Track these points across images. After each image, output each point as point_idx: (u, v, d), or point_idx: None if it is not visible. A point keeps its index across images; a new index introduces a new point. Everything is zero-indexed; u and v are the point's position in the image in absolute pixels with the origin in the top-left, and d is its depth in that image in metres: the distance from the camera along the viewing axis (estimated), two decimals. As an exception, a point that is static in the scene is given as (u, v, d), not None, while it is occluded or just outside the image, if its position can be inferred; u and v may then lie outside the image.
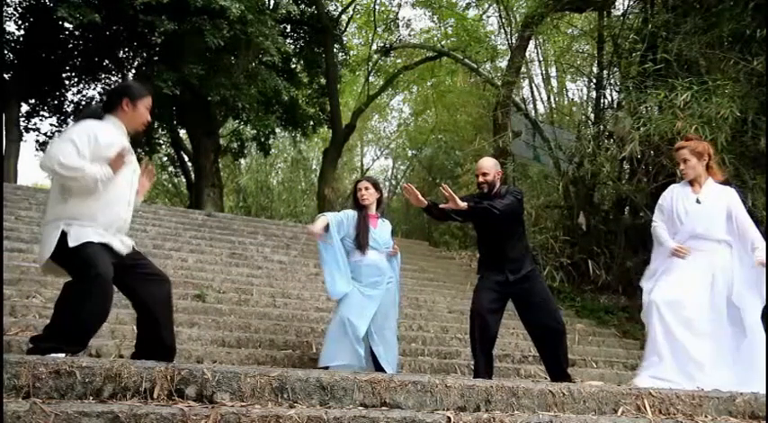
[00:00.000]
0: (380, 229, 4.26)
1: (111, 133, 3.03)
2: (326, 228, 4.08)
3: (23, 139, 14.02)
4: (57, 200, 2.96)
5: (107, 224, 2.96)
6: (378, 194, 4.35)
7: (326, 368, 3.80)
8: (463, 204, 3.83)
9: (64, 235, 2.86)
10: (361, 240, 4.11)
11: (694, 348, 3.39)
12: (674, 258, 3.62)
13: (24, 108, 13.88)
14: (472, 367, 4.21)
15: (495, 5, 14.53)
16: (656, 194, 7.56)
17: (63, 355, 2.72)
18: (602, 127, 8.77)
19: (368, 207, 4.28)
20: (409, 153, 21.90)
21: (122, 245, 3.02)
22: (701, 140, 3.92)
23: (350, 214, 4.24)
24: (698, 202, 3.64)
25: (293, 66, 15.66)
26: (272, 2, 13.95)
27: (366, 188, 4.29)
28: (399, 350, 5.06)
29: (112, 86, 3.26)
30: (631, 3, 9.35)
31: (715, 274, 3.52)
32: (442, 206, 3.94)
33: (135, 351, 3.18)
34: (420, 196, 3.94)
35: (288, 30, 15.65)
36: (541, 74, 14.81)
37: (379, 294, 4.08)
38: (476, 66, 14.64)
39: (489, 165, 4.10)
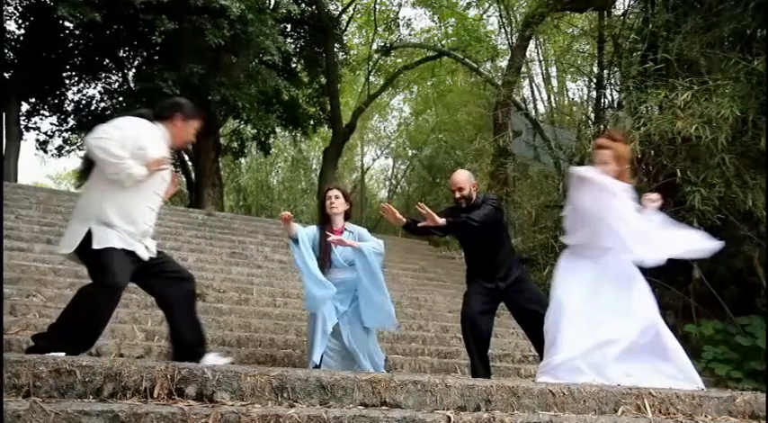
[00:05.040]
0: (342, 246, 4.05)
1: (153, 137, 3.12)
2: (296, 240, 4.00)
3: (24, 138, 14.04)
4: (89, 195, 3.05)
5: (133, 228, 3.03)
6: (347, 206, 4.18)
7: (318, 366, 3.79)
8: (441, 220, 3.79)
9: (90, 234, 2.93)
10: (321, 261, 4.00)
11: (598, 345, 3.22)
12: (575, 257, 3.50)
13: (25, 107, 13.89)
14: (472, 367, 4.21)
15: (495, 5, 14.55)
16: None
17: (63, 354, 2.73)
18: (602, 126, 8.76)
19: (334, 218, 4.14)
20: (409, 153, 21.92)
21: (146, 251, 3.09)
22: (624, 143, 3.68)
23: (314, 232, 4.10)
24: None
25: (293, 65, 15.65)
26: (272, 1, 13.92)
27: (336, 197, 4.14)
28: (400, 350, 5.08)
29: (168, 100, 3.44)
30: (632, 2, 9.34)
31: (599, 287, 3.36)
32: (420, 225, 3.90)
33: (172, 352, 3.27)
34: (398, 214, 3.91)
35: (288, 29, 15.64)
36: (542, 73, 14.84)
37: (347, 310, 4.00)
38: (476, 65, 14.65)
39: (464, 179, 4.04)
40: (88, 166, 3.08)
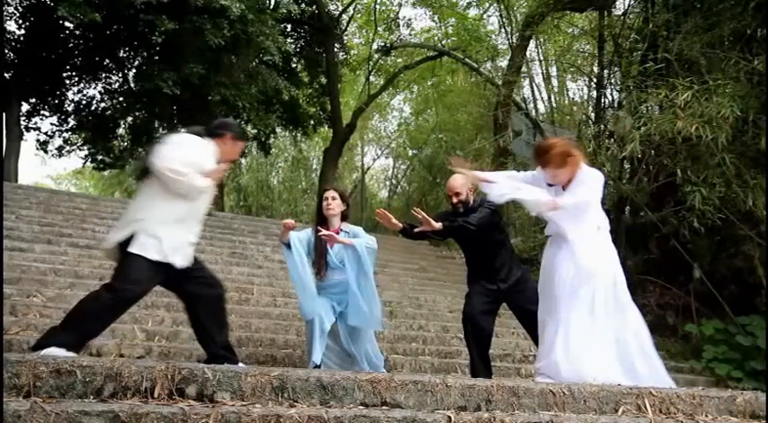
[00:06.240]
0: (339, 247, 4.03)
1: (207, 153, 3.33)
2: (288, 245, 3.99)
3: (24, 138, 14.03)
4: (142, 199, 3.21)
5: (177, 235, 3.15)
6: (344, 207, 4.18)
7: (318, 367, 3.79)
8: (438, 225, 3.79)
9: (133, 236, 3.06)
10: (318, 265, 4.01)
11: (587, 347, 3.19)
12: (551, 247, 3.50)
13: (25, 107, 13.86)
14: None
15: (495, 5, 14.55)
16: (657, 194, 7.57)
17: (63, 353, 2.75)
18: (602, 126, 8.75)
19: (331, 219, 4.13)
20: (410, 152, 21.91)
21: (182, 259, 3.19)
22: (558, 143, 3.46)
23: (308, 235, 4.10)
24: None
25: (294, 65, 15.64)
26: (272, 1, 13.92)
27: (333, 198, 4.13)
28: (400, 350, 5.08)
29: (220, 120, 3.72)
30: (632, 2, 9.35)
31: (570, 276, 3.32)
32: (417, 230, 3.90)
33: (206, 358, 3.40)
34: (393, 220, 3.90)
35: (288, 29, 15.63)
36: (542, 73, 14.86)
37: (344, 311, 4.00)
38: (476, 65, 14.64)
39: (460, 183, 4.02)
40: (145, 169, 3.24)
